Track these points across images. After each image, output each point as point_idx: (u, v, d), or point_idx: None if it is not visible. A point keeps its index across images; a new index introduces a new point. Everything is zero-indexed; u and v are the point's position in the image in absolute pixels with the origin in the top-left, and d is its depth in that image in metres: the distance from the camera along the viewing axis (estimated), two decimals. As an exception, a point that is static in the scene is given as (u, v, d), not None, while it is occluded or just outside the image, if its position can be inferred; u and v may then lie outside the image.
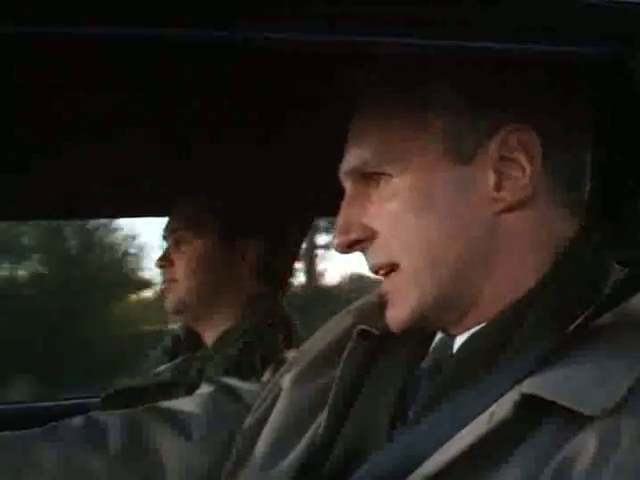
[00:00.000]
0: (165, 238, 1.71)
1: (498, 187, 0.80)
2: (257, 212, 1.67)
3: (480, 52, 0.75)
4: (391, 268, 0.84)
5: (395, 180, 0.82)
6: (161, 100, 1.34)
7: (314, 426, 0.90)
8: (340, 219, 0.86)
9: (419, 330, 0.88)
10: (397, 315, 0.84)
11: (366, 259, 0.86)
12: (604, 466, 0.67)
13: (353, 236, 0.85)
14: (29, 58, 0.98)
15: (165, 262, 1.67)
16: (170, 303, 1.66)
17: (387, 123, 0.83)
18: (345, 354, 0.92)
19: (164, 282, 1.68)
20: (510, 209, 0.80)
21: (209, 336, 1.66)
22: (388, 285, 0.85)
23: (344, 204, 0.86)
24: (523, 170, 0.80)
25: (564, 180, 0.82)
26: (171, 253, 1.66)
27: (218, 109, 1.38)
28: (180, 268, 1.65)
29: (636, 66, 0.77)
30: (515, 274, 0.82)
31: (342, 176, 0.87)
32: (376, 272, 0.86)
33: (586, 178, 0.84)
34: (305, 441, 0.89)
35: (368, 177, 0.85)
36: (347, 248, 0.86)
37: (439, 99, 0.81)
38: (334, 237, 0.86)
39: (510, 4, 0.72)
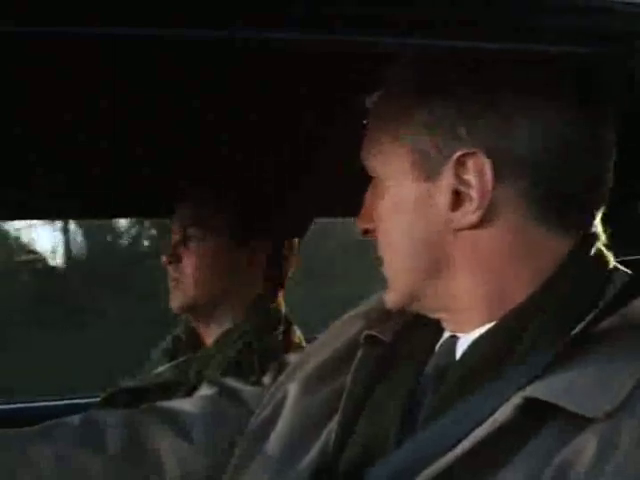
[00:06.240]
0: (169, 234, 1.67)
1: (453, 207, 0.82)
2: (268, 211, 1.66)
3: (479, 52, 0.75)
4: (380, 261, 0.89)
5: (380, 183, 0.87)
6: (161, 100, 1.34)
7: (326, 432, 0.90)
8: (363, 206, 0.91)
9: (427, 333, 0.90)
10: (386, 297, 0.90)
11: None
12: (603, 467, 0.67)
13: (363, 225, 0.90)
14: (29, 58, 0.98)
15: (174, 258, 1.63)
16: (177, 302, 1.63)
17: (373, 134, 0.88)
18: (355, 361, 0.92)
19: (171, 279, 1.64)
20: (470, 227, 0.82)
21: (209, 336, 1.66)
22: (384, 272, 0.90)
23: (367, 193, 0.91)
24: (474, 191, 0.81)
25: (554, 195, 0.81)
26: (179, 250, 1.62)
27: (217, 109, 1.38)
28: (189, 266, 1.61)
29: (636, 66, 0.76)
30: (508, 280, 0.82)
31: None
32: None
33: (591, 188, 0.84)
34: (317, 447, 0.89)
35: None
36: (363, 235, 0.91)
37: (410, 115, 0.83)
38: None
39: (511, 4, 0.72)
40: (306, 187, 1.72)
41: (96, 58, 1.06)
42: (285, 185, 1.70)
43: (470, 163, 0.81)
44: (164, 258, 1.65)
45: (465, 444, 0.72)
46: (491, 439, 0.72)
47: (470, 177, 0.81)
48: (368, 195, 0.90)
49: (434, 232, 0.83)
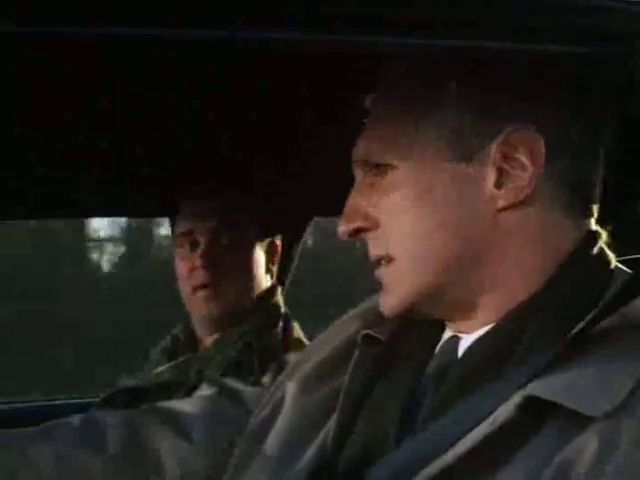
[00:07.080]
0: (181, 236, 1.64)
1: (498, 185, 0.81)
2: (283, 211, 1.65)
3: (481, 52, 0.75)
4: (388, 260, 0.85)
5: (398, 172, 0.83)
6: (161, 100, 1.34)
7: (324, 431, 0.90)
8: (346, 206, 0.87)
9: (425, 333, 0.89)
10: (389, 301, 0.86)
11: (369, 248, 0.87)
12: (604, 467, 0.67)
13: (356, 224, 0.86)
14: (29, 58, 0.98)
15: (210, 261, 1.57)
16: (216, 307, 1.59)
17: (395, 117, 0.85)
18: (353, 360, 0.92)
19: (200, 286, 1.59)
20: (510, 208, 0.81)
21: (209, 337, 1.66)
22: (383, 274, 0.86)
23: (352, 191, 0.87)
24: (524, 170, 0.80)
25: (569, 184, 0.82)
26: (214, 252, 1.58)
27: (217, 109, 1.38)
28: (227, 268, 1.58)
29: (636, 66, 0.77)
30: (516, 274, 0.82)
31: (353, 164, 0.89)
32: (376, 263, 0.86)
33: (595, 183, 0.84)
34: (315, 446, 0.89)
35: (376, 167, 0.85)
36: (350, 236, 0.87)
37: (446, 97, 0.82)
38: (339, 223, 0.87)
39: (511, 4, 0.72)
40: (306, 186, 1.72)
41: (96, 58, 1.06)
42: (285, 184, 1.70)
43: (518, 140, 0.80)
44: (188, 265, 1.59)
45: (466, 443, 0.72)
46: (491, 438, 0.72)
47: (519, 154, 0.80)
48: (355, 195, 0.87)
49: (472, 214, 0.81)
